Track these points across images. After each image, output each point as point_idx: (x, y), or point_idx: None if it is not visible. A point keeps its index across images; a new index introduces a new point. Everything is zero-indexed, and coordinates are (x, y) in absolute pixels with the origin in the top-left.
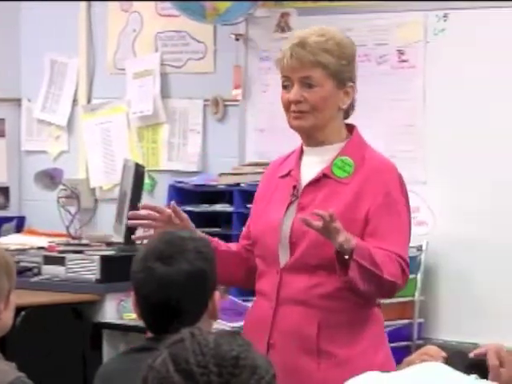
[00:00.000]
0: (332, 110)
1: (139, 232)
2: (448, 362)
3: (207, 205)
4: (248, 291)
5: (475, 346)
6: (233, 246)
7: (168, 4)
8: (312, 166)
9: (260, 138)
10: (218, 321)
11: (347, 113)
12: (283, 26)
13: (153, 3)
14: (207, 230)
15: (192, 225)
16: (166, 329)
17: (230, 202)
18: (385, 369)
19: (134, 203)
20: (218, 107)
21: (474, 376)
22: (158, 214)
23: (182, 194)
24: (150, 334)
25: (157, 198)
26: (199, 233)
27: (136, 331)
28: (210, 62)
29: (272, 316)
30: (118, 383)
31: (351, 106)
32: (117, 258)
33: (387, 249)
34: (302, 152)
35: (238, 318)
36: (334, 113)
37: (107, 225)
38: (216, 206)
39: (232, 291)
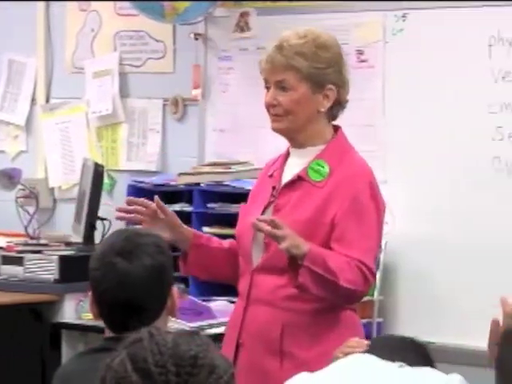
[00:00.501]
0: (309, 113)
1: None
2: (371, 349)
3: (166, 205)
4: (208, 291)
5: (433, 345)
6: (225, 243)
7: (127, 3)
8: (293, 167)
9: (219, 138)
10: (178, 321)
11: (334, 115)
12: (242, 26)
13: (111, 3)
14: None
15: (178, 220)
16: (126, 326)
17: (190, 202)
18: None
19: (93, 203)
20: (178, 107)
21: (398, 364)
22: (144, 209)
23: (141, 194)
24: (108, 334)
25: (116, 197)
26: (187, 228)
27: (95, 331)
28: (169, 61)
29: (242, 316)
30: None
31: (339, 107)
32: (75, 258)
33: (350, 255)
34: (289, 153)
35: (198, 318)
36: (312, 116)
37: (66, 225)
38: (175, 205)
39: (191, 291)
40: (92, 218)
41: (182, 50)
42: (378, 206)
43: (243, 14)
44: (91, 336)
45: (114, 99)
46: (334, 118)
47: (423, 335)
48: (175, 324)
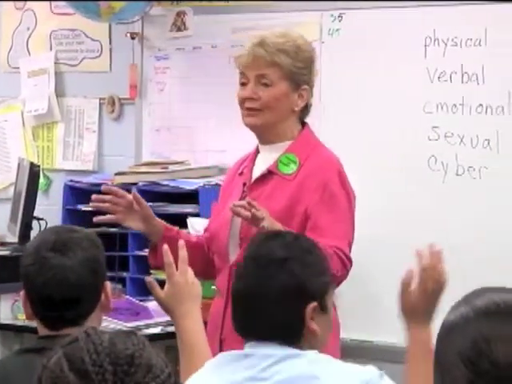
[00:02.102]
0: (284, 110)
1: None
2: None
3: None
4: (145, 291)
5: (354, 341)
6: (193, 237)
7: (62, 2)
8: (262, 163)
9: (156, 137)
10: (114, 321)
11: (302, 115)
12: (179, 25)
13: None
14: (103, 229)
15: (152, 212)
16: (62, 321)
17: None
18: None
19: (29, 203)
20: (114, 106)
21: (314, 351)
22: (120, 200)
23: (77, 194)
24: (43, 332)
25: (52, 197)
26: (159, 220)
27: (30, 332)
28: (105, 60)
29: (223, 312)
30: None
31: (306, 109)
32: (11, 258)
33: (326, 243)
34: (258, 150)
35: (135, 318)
36: (285, 114)
37: (1, 224)
38: None
39: (128, 291)
40: (28, 217)
41: (119, 49)
42: (349, 194)
43: (180, 14)
44: (27, 336)
45: (50, 98)
46: (302, 119)
47: (361, 334)
48: (112, 324)
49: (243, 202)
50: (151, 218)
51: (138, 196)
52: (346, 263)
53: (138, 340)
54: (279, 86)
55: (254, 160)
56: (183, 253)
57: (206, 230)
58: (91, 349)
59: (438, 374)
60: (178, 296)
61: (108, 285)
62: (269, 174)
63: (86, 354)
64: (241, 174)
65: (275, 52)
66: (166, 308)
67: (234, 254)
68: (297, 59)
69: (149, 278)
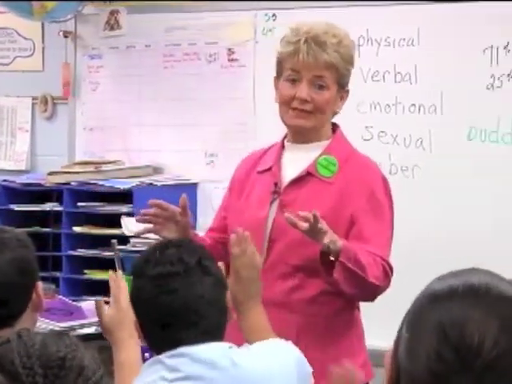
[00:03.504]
0: (330, 113)
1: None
2: None
3: (36, 204)
4: (78, 291)
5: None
6: (207, 240)
7: None
8: (295, 163)
9: (89, 136)
10: (46, 321)
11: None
12: (113, 24)
13: None
14: (36, 229)
15: (190, 223)
16: None
17: (60, 201)
18: (365, 370)
19: None
20: (47, 105)
21: (228, 345)
22: (163, 212)
23: (10, 193)
24: None
25: None
26: (192, 230)
27: None
28: (38, 59)
29: None
30: None
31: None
32: None
33: (372, 251)
34: (282, 147)
35: (68, 318)
36: (330, 116)
37: None
38: (45, 205)
39: (62, 291)
40: None
41: (51, 48)
42: (392, 202)
43: (113, 12)
44: None
45: None
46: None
47: None
48: (44, 324)
49: (308, 215)
50: (188, 228)
51: (187, 205)
52: (389, 275)
53: (71, 341)
54: (332, 89)
55: (280, 157)
56: (123, 281)
57: (215, 230)
58: (22, 351)
59: (408, 333)
60: (122, 320)
61: (40, 285)
62: (306, 176)
63: (17, 356)
64: (264, 171)
65: (334, 54)
66: (108, 330)
67: (262, 256)
68: (348, 62)
69: (98, 299)
